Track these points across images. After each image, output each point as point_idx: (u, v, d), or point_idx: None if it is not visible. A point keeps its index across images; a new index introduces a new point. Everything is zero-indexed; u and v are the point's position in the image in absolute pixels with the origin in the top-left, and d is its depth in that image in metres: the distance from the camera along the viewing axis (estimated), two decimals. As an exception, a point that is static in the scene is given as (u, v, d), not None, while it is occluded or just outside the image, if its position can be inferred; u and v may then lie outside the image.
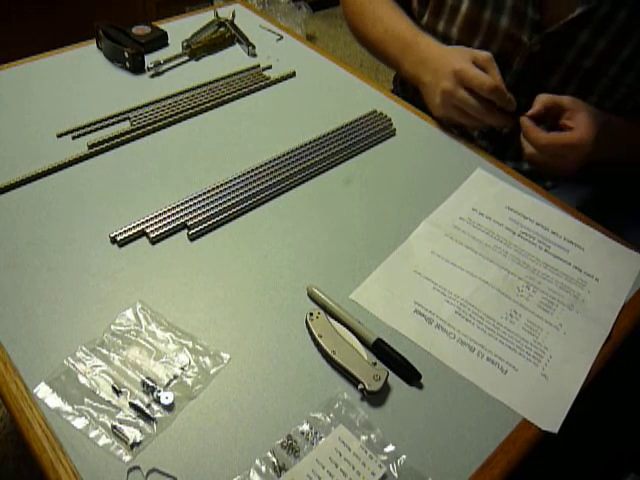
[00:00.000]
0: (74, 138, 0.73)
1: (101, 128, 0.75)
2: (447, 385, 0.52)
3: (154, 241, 0.61)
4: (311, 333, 0.54)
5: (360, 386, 0.49)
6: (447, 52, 0.78)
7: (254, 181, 0.69)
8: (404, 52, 0.83)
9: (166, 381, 0.49)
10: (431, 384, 0.52)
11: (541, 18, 0.74)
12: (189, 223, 0.63)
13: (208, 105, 0.81)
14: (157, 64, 0.86)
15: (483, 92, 0.71)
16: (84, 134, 0.74)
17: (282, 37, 0.98)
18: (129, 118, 0.77)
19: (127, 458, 0.45)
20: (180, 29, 0.94)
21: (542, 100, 0.72)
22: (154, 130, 0.76)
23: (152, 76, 0.86)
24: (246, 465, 0.45)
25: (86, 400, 0.47)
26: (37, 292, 0.55)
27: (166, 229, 0.62)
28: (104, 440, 0.45)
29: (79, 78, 0.84)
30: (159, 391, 0.48)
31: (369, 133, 0.78)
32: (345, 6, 0.97)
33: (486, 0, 0.78)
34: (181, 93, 0.83)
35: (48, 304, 0.54)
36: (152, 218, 0.63)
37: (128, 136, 0.74)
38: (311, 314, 0.55)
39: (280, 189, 0.69)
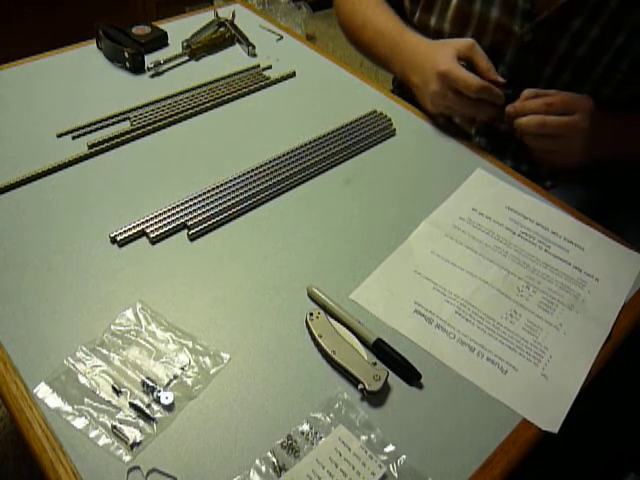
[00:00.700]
0: (74, 138, 0.73)
1: (101, 128, 0.75)
2: (447, 385, 0.52)
3: (154, 241, 0.61)
4: (311, 333, 0.54)
5: (360, 386, 0.49)
6: (432, 50, 0.78)
7: (254, 181, 0.69)
8: (392, 51, 0.84)
9: (166, 381, 0.49)
10: (431, 384, 0.52)
11: (532, 7, 0.75)
12: (189, 223, 0.63)
13: (208, 105, 0.81)
14: (157, 64, 0.86)
15: (470, 94, 0.72)
16: (84, 134, 0.74)
17: (282, 37, 0.98)
18: (129, 118, 0.77)
19: (127, 458, 0.45)
20: (180, 29, 0.94)
21: (526, 93, 0.73)
22: (154, 130, 0.76)
23: (152, 76, 0.86)
24: (246, 465, 0.45)
25: (86, 400, 0.47)
26: (37, 292, 0.55)
27: (166, 229, 0.62)
28: (104, 440, 0.45)
29: (79, 78, 0.84)
30: (159, 391, 0.48)
31: (369, 133, 0.78)
32: (338, 13, 0.98)
33: None
34: (181, 93, 0.83)
35: (48, 304, 0.54)
36: (152, 218, 0.63)
37: (128, 136, 0.74)
38: (311, 314, 0.55)
39: (280, 189, 0.69)
